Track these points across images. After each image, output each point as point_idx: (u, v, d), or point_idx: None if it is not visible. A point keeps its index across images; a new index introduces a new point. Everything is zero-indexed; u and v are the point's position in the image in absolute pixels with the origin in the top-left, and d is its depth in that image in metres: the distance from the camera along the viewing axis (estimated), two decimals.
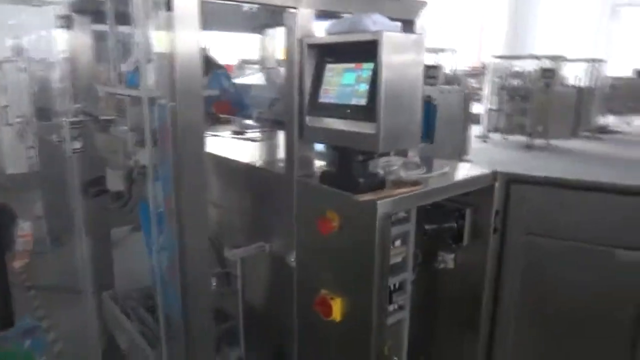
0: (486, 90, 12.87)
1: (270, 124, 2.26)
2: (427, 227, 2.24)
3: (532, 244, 2.15)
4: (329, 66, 1.81)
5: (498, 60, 13.25)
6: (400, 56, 1.60)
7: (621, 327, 2.05)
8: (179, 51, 1.59)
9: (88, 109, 2.55)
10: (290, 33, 1.87)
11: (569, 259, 2.10)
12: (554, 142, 11.67)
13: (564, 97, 11.64)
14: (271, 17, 2.87)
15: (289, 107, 1.93)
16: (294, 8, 1.83)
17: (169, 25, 1.56)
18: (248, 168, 2.30)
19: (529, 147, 11.65)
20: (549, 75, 11.50)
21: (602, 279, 2.05)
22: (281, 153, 2.51)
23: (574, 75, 13.68)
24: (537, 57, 12.21)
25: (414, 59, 1.66)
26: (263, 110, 2.20)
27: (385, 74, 1.56)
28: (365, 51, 1.64)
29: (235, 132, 3.09)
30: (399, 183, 1.80)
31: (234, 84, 2.19)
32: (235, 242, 2.17)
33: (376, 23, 1.64)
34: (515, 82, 12.46)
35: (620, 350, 2.07)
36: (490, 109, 12.67)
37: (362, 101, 1.65)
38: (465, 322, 2.34)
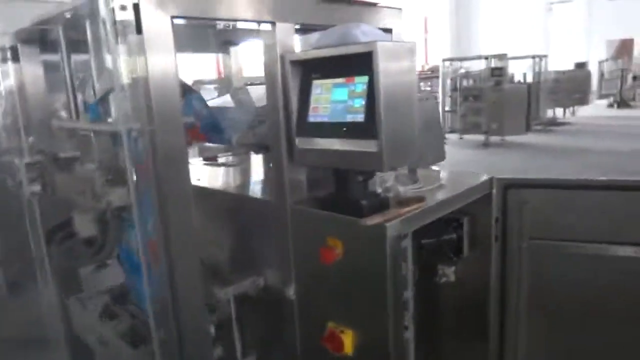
0: (440, 93, 13.09)
1: (253, 149, 2.11)
2: (423, 241, 2.14)
3: (534, 248, 2.08)
4: (316, 82, 1.68)
5: (447, 63, 13.54)
6: (395, 66, 1.49)
7: (634, 324, 2.00)
8: (154, 76, 1.43)
9: (44, 147, 2.31)
10: (269, 50, 1.74)
11: (574, 260, 2.04)
12: (509, 138, 11.98)
13: (514, 94, 11.96)
14: (235, 35, 2.74)
15: (274, 129, 1.78)
16: (272, 23, 1.70)
17: (140, 49, 1.39)
18: (232, 197, 2.14)
19: (485, 145, 11.90)
20: (498, 73, 11.81)
21: (608, 278, 2.01)
22: (262, 178, 2.37)
23: (520, 72, 14.18)
24: (485, 57, 12.53)
25: (409, 68, 1.55)
26: (242, 134, 2.04)
27: (383, 87, 1.45)
28: (356, 64, 1.53)
29: (207, 159, 2.90)
30: (403, 201, 1.68)
31: (209, 108, 2.03)
32: (225, 279, 1.99)
33: (366, 34, 1.54)
34: (467, 82, 12.75)
35: (636, 349, 2.03)
36: (445, 111, 12.90)
37: (359, 117, 1.53)
38: (474, 333, 2.26)
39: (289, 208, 1.80)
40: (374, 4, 2.03)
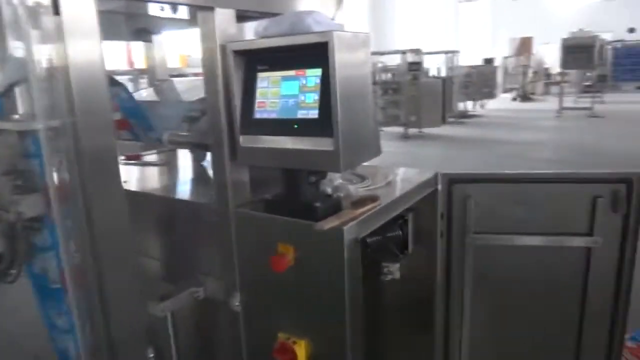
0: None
1: (188, 147, 1.92)
2: (368, 240, 2.08)
3: (479, 241, 2.09)
4: (262, 75, 1.54)
5: None
6: (351, 58, 1.39)
7: (572, 313, 2.08)
8: (76, 64, 1.21)
9: None
10: (207, 38, 1.56)
11: (515, 252, 2.08)
12: (427, 130, 12.44)
13: (430, 87, 12.43)
14: (158, 22, 2.50)
15: (214, 126, 1.61)
16: (210, 9, 1.53)
17: (58, 33, 1.17)
18: (164, 201, 1.93)
19: (405, 137, 12.27)
20: (415, 68, 12.21)
21: (549, 268, 2.07)
22: (196, 178, 2.18)
23: (434, 66, 14.77)
24: (402, 52, 12.88)
25: (364, 60, 1.46)
26: (175, 131, 1.85)
27: (339, 81, 1.34)
28: (308, 55, 1.41)
29: (129, 157, 2.64)
30: (357, 201, 1.59)
31: (136, 102, 1.80)
32: (159, 293, 1.79)
33: (320, 22, 1.41)
34: (385, 76, 13.04)
35: (571, 341, 2.11)
36: None
37: (313, 114, 1.41)
38: (419, 329, 2.24)
39: (233, 212, 1.65)
40: None
